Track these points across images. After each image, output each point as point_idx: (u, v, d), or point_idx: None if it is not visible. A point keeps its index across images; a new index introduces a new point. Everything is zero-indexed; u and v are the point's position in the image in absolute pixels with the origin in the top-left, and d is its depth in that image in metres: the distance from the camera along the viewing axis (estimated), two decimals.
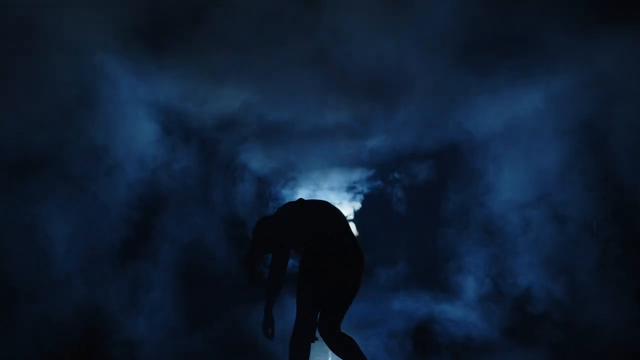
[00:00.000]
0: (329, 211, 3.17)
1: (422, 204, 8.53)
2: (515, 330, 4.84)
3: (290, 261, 3.36)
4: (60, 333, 3.37)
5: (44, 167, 3.29)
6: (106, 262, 3.89)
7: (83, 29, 3.20)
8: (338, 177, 9.20)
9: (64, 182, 3.41)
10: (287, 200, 4.23)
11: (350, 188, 9.70)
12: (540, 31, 3.44)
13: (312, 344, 3.05)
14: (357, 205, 10.40)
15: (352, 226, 8.97)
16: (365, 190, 9.92)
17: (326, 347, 3.00)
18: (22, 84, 3.08)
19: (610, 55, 3.49)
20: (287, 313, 3.55)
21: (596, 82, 3.75)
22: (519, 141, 5.02)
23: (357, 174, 9.10)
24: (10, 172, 3.13)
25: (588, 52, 3.53)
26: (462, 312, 5.79)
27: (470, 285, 6.25)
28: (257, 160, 7.07)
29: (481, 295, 6.03)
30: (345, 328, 3.00)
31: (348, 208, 10.32)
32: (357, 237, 3.18)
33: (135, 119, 3.98)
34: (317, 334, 3.04)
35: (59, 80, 3.21)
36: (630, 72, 3.46)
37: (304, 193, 9.08)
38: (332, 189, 9.46)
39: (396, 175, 8.97)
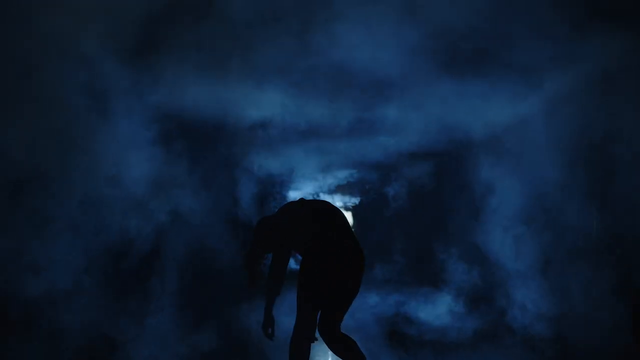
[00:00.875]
0: (330, 211, 3.18)
1: (419, 206, 8.56)
2: (497, 337, 4.82)
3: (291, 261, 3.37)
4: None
5: (50, 183, 3.29)
6: (111, 276, 3.91)
7: (83, 35, 3.19)
8: (337, 178, 9.21)
9: (68, 197, 3.41)
10: (288, 200, 4.23)
11: (349, 188, 9.71)
12: (538, 33, 3.44)
13: (312, 344, 3.06)
14: (356, 206, 10.40)
15: (351, 224, 8.96)
16: (363, 190, 9.92)
17: (326, 347, 3.01)
18: (26, 100, 3.07)
19: (608, 58, 3.48)
20: (287, 313, 3.55)
21: (595, 84, 3.73)
22: (516, 146, 4.99)
23: (357, 175, 9.10)
24: (17, 190, 3.12)
25: (585, 54, 3.52)
26: (446, 314, 5.80)
27: (458, 289, 6.25)
28: (257, 160, 7.07)
29: (467, 299, 6.04)
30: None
31: (347, 208, 10.33)
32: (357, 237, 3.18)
33: (137, 125, 3.98)
34: (317, 334, 3.04)
35: (63, 91, 3.20)
36: (627, 75, 3.45)
37: (304, 193, 9.09)
38: (331, 189, 9.47)
39: (393, 176, 8.98)
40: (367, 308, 6.05)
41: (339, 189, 9.87)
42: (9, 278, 3.07)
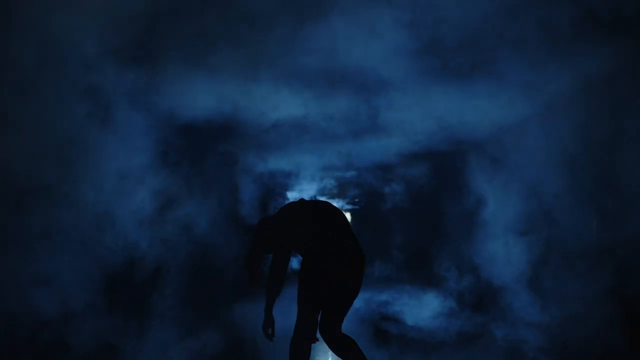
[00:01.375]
0: (330, 211, 3.19)
1: (417, 206, 8.59)
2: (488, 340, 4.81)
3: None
4: None
5: (52, 193, 3.28)
6: (117, 288, 3.91)
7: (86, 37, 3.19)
8: (337, 178, 9.22)
9: (73, 209, 3.42)
10: (288, 201, 4.24)
11: (349, 188, 9.73)
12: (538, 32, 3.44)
13: (312, 344, 3.07)
14: (356, 206, 10.42)
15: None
16: (363, 191, 9.95)
17: (326, 347, 3.02)
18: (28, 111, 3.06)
19: (606, 63, 3.47)
20: (288, 313, 3.55)
21: (594, 89, 3.72)
22: (515, 149, 4.97)
23: (356, 175, 9.12)
24: (20, 204, 3.12)
25: (584, 59, 3.52)
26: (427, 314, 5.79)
27: (452, 291, 6.26)
28: (258, 162, 7.08)
29: (460, 301, 6.03)
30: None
31: (346, 209, 10.34)
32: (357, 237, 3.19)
33: (140, 132, 3.98)
34: (318, 335, 3.05)
35: (65, 99, 3.19)
36: (626, 80, 3.44)
37: (304, 193, 9.09)
38: (331, 189, 9.49)
39: (392, 177, 9.01)
40: (355, 308, 6.05)
41: (338, 190, 9.88)
42: (14, 292, 3.07)
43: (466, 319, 5.46)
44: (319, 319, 3.01)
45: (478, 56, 3.89)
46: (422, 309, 6.04)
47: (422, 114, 5.05)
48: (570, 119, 4.00)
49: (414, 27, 3.52)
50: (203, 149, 5.52)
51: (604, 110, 3.73)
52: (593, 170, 3.87)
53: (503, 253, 5.21)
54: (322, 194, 9.50)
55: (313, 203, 3.27)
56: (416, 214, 8.63)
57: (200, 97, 4.41)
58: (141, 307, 4.30)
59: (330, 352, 3.91)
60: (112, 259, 3.83)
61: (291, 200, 7.39)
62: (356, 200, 10.29)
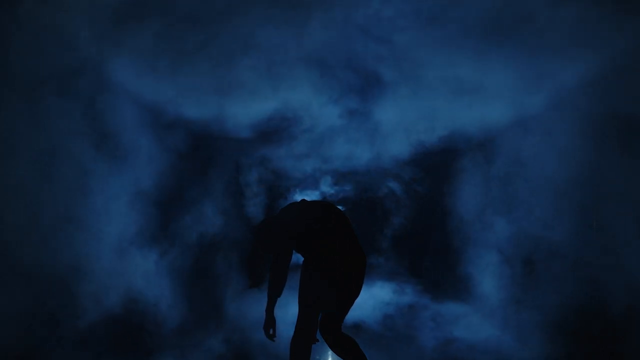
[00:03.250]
0: (331, 212, 3.19)
1: (415, 207, 8.63)
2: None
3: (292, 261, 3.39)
4: None
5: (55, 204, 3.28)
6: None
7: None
8: (338, 179, 9.25)
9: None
10: (290, 202, 4.25)
11: (348, 189, 9.76)
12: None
13: (312, 345, 3.08)
14: (354, 207, 10.46)
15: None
16: (362, 192, 9.99)
17: (326, 347, 3.02)
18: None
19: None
20: (288, 313, 3.56)
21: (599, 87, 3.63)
22: (512, 151, 4.92)
23: (356, 176, 9.14)
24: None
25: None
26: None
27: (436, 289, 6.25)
28: (258, 163, 7.11)
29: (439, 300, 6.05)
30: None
31: (346, 210, 10.38)
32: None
33: (139, 126, 3.99)
34: (318, 335, 3.07)
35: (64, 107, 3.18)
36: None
37: (306, 195, 9.12)
38: (331, 191, 9.52)
39: (392, 178, 9.04)
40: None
41: (339, 191, 9.92)
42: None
43: (410, 317, 5.41)
44: (319, 319, 3.03)
45: (480, 55, 3.84)
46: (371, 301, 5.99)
47: (421, 115, 5.04)
48: (574, 120, 3.93)
49: (413, 26, 3.49)
50: (205, 150, 5.54)
51: (607, 113, 3.67)
52: (588, 178, 3.81)
53: (481, 256, 5.22)
54: (324, 195, 9.53)
55: (314, 204, 3.27)
56: (410, 213, 8.69)
57: (206, 99, 4.41)
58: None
59: (330, 352, 3.94)
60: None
61: (293, 201, 7.42)
62: (356, 201, 10.32)
